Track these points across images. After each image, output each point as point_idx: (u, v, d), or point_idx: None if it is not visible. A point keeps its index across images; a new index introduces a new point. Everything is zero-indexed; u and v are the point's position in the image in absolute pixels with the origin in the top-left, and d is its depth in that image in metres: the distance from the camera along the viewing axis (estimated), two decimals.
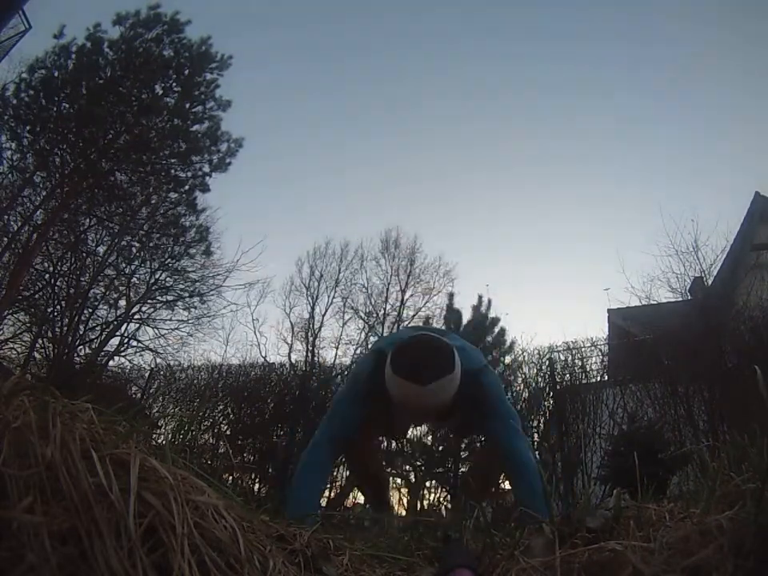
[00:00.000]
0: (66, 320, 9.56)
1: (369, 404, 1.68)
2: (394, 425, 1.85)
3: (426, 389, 1.48)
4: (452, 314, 8.91)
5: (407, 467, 6.59)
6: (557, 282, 20.82)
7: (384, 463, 4.68)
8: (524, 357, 6.76)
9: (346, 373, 8.01)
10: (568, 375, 6.24)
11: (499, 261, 21.38)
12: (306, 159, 21.38)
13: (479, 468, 2.23)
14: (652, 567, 0.61)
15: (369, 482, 2.13)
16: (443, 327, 8.60)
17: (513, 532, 0.88)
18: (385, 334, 10.97)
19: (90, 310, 10.20)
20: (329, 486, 6.65)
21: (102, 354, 9.87)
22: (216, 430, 6.67)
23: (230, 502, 0.75)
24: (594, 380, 6.25)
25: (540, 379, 6.36)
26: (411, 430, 1.89)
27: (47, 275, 9.87)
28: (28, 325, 9.72)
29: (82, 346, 9.84)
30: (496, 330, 8.47)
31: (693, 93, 18.53)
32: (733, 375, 4.98)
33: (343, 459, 2.70)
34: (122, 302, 10.54)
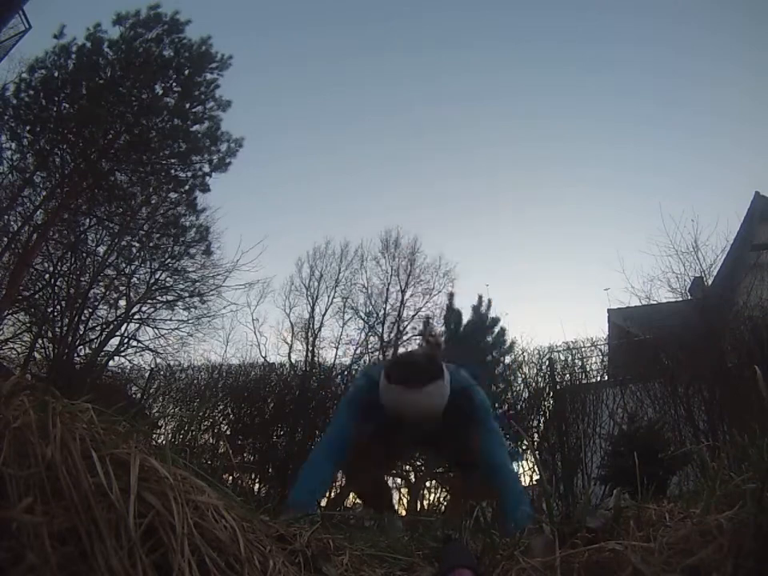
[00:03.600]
0: (66, 320, 9.54)
1: (364, 418, 1.73)
2: (389, 447, 1.88)
3: (420, 392, 1.58)
4: (452, 314, 8.87)
5: (407, 467, 6.58)
6: (557, 282, 20.81)
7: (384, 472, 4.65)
8: (524, 357, 6.78)
9: (345, 373, 8.01)
10: (568, 375, 6.24)
11: (499, 261, 21.38)
12: (305, 159, 21.38)
13: (458, 497, 2.25)
14: (652, 567, 0.61)
15: (369, 489, 2.11)
16: (443, 329, 8.65)
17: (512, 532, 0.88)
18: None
19: (90, 310, 10.18)
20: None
21: (102, 354, 9.84)
22: (216, 430, 6.66)
23: (229, 501, 0.75)
24: (594, 380, 6.25)
25: (540, 379, 6.36)
26: (405, 455, 1.90)
27: (47, 275, 9.85)
28: (28, 325, 9.70)
29: (82, 346, 9.82)
30: (496, 330, 8.43)
31: (693, 93, 18.54)
32: (733, 375, 4.98)
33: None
34: (122, 302, 10.51)
